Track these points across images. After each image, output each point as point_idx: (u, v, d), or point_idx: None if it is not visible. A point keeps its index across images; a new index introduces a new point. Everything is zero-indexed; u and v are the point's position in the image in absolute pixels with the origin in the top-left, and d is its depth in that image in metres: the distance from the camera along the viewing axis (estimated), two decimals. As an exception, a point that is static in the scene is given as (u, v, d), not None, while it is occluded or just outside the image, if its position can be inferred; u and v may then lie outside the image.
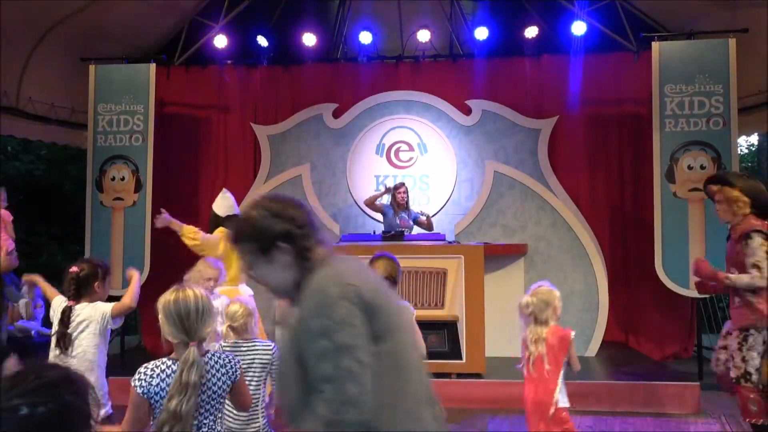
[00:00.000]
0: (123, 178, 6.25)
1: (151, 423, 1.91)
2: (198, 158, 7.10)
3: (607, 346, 6.04)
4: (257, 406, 2.71)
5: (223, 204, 4.32)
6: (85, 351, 2.73)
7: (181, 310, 1.91)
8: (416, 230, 6.11)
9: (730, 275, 3.30)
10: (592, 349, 5.87)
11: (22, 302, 5.35)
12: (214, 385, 1.97)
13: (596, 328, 5.89)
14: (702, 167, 5.48)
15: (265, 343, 2.87)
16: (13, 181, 10.63)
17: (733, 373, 3.27)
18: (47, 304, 5.70)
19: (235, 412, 2.64)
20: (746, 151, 12.34)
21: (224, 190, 4.52)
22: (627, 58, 6.52)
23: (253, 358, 2.77)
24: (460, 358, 4.99)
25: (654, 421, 4.51)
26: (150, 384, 1.88)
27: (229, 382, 2.00)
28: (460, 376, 4.95)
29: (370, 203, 6.09)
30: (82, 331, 2.73)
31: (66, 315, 2.72)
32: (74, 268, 2.77)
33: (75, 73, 6.44)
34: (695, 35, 5.72)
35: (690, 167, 5.51)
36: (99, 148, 6.30)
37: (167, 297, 1.94)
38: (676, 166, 5.54)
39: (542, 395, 2.95)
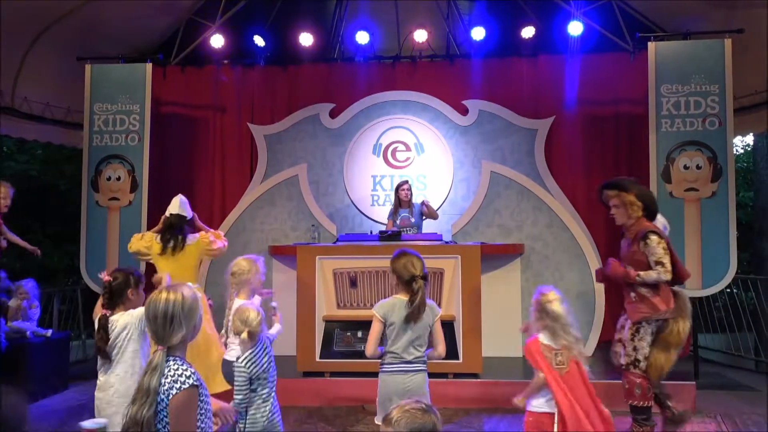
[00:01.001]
0: (119, 178, 6.24)
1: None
2: (194, 158, 7.08)
3: (604, 346, 6.02)
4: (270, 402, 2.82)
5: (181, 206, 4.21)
6: (128, 357, 2.74)
7: (150, 312, 1.87)
8: (424, 228, 6.11)
9: (640, 273, 3.59)
10: (589, 349, 5.87)
11: (13, 303, 5.31)
12: (162, 393, 1.81)
13: (593, 328, 5.90)
14: (698, 167, 5.50)
15: (253, 352, 2.90)
16: (8, 181, 10.60)
17: (623, 360, 3.69)
18: (43, 306, 5.70)
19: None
20: (741, 151, 12.39)
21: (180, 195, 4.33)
22: (623, 59, 6.54)
23: (270, 359, 2.89)
24: (457, 358, 4.99)
25: (656, 419, 4.51)
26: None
27: (163, 396, 1.80)
28: (456, 376, 4.95)
29: (393, 220, 6.02)
30: (124, 339, 2.73)
31: (102, 324, 2.71)
32: (107, 278, 2.78)
33: (71, 72, 6.41)
34: (691, 35, 5.74)
35: (686, 167, 5.53)
36: (95, 147, 6.28)
37: (147, 299, 1.92)
38: (672, 165, 5.56)
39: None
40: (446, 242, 5.53)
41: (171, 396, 1.78)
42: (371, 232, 6.06)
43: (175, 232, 4.05)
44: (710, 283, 5.43)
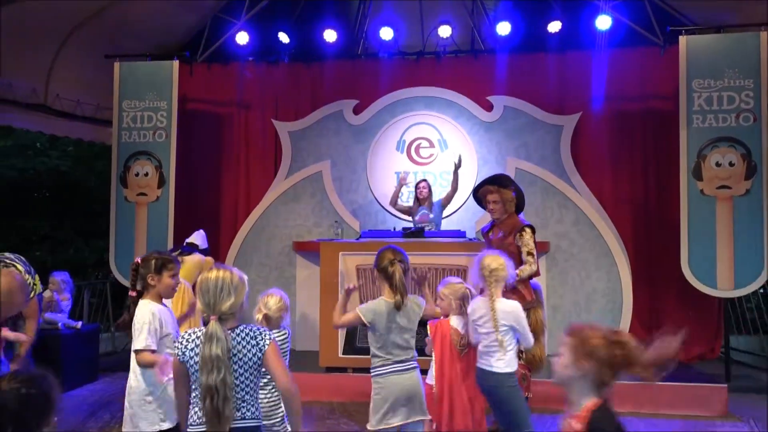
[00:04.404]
0: (146, 174, 6.34)
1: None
2: (219, 154, 7.16)
3: (631, 346, 5.94)
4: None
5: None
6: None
7: (203, 287, 2.04)
8: (446, 225, 6.09)
9: (517, 270, 3.76)
10: (615, 349, 5.78)
11: (47, 294, 5.47)
12: (245, 356, 2.01)
13: (619, 328, 5.80)
14: (731, 164, 5.35)
15: (279, 332, 3.00)
16: (41, 177, 10.89)
17: None
18: (74, 299, 5.84)
19: (262, 395, 2.77)
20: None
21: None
22: (653, 53, 6.38)
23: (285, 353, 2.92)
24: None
25: (680, 423, 4.43)
26: (186, 348, 2.03)
27: (259, 354, 2.02)
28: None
29: (394, 203, 6.09)
30: (134, 329, 2.68)
31: (132, 303, 2.72)
32: (137, 259, 2.77)
33: (100, 70, 6.54)
34: (724, 29, 5.58)
35: (718, 164, 5.39)
36: (123, 144, 6.40)
37: (199, 277, 2.10)
38: (703, 163, 5.42)
39: None
40: (470, 239, 5.49)
41: (267, 346, 2.03)
42: (394, 229, 6.05)
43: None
44: (743, 283, 5.28)
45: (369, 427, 2.83)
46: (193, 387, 2.02)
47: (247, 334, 2.04)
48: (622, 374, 1.67)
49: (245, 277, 2.13)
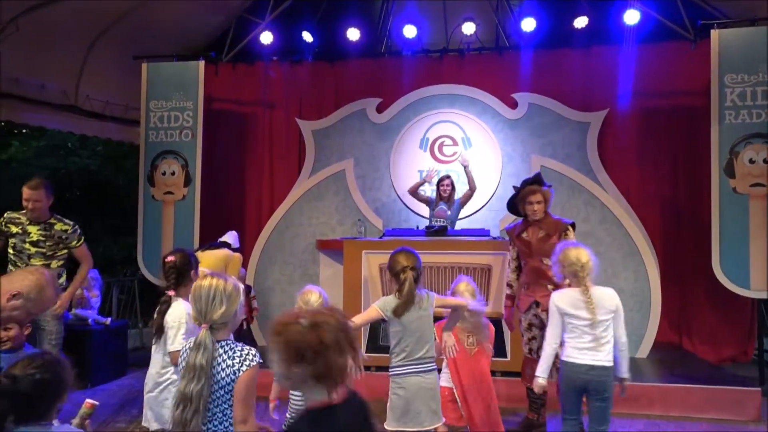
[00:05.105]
0: (173, 173, 6.44)
1: None
2: (244, 153, 7.23)
3: (660, 348, 5.82)
4: None
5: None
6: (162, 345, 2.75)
7: (196, 294, 2.04)
8: (459, 225, 6.05)
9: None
10: (644, 350, 5.67)
11: (78, 291, 5.58)
12: (220, 372, 1.95)
13: (648, 329, 5.68)
14: (765, 161, 5.19)
15: None
16: (71, 176, 11.14)
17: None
18: (103, 295, 5.96)
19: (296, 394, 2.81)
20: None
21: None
22: (683, 48, 6.23)
23: None
24: (505, 356, 4.91)
25: (710, 426, 4.32)
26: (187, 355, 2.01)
27: (233, 376, 1.94)
28: (504, 374, 4.87)
29: (413, 192, 6.07)
30: (168, 327, 2.69)
31: (167, 303, 2.70)
32: (171, 258, 2.75)
33: (128, 71, 6.66)
34: (759, 21, 5.41)
35: (752, 161, 5.23)
36: (150, 143, 6.50)
37: (194, 283, 2.10)
38: (736, 160, 5.27)
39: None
40: (494, 238, 5.44)
41: (242, 372, 1.93)
42: (417, 227, 6.03)
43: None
44: (777, 284, 5.12)
45: (386, 426, 2.83)
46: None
47: (231, 350, 1.98)
48: (341, 358, 1.43)
49: (240, 287, 2.12)
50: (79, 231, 4.21)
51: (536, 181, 4.07)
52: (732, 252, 5.18)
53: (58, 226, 4.13)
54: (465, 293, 3.32)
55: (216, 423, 1.95)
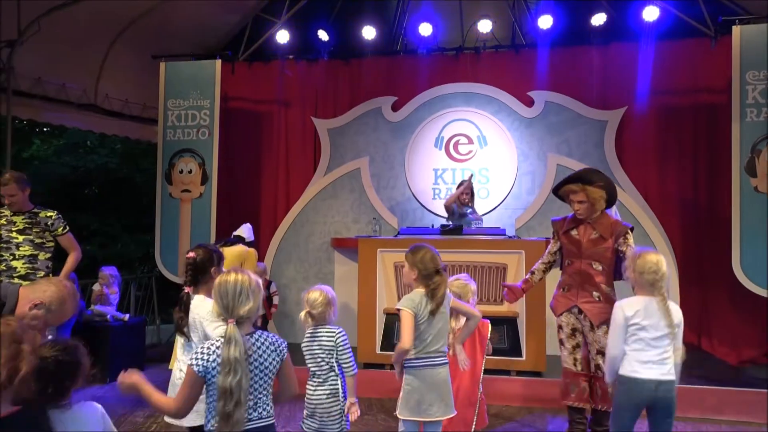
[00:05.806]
0: (190, 171, 6.51)
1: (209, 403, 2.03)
2: (260, 151, 7.28)
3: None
4: (337, 387, 2.90)
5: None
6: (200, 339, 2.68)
7: (222, 289, 2.06)
8: (487, 222, 6.03)
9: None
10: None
11: (96, 288, 5.68)
12: (265, 361, 2.07)
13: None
14: (787, 160, 5.09)
15: (336, 330, 2.97)
16: (90, 174, 11.32)
17: (602, 362, 3.39)
18: (122, 292, 6.05)
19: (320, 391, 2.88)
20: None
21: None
22: (703, 44, 6.14)
23: (320, 343, 2.93)
24: (520, 356, 4.90)
25: (728, 429, 4.26)
26: (207, 362, 2.00)
27: (280, 362, 2.10)
28: (519, 373, 4.86)
29: (448, 204, 5.92)
30: (192, 326, 2.65)
31: (184, 302, 2.66)
32: (191, 254, 2.70)
33: (146, 70, 6.75)
34: (781, 17, 5.31)
35: (774, 160, 5.14)
36: (168, 142, 6.58)
37: (217, 279, 2.12)
38: (757, 158, 5.18)
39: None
40: (509, 237, 5.42)
41: (285, 357, 2.12)
42: (432, 226, 6.02)
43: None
44: (799, 285, 5.03)
45: (398, 414, 2.87)
46: (210, 394, 2.02)
47: (267, 341, 2.10)
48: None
49: (260, 282, 2.17)
50: (62, 219, 4.34)
51: (577, 178, 3.66)
52: (752, 252, 5.10)
53: (42, 214, 4.28)
54: (468, 295, 3.38)
55: (263, 408, 2.05)
